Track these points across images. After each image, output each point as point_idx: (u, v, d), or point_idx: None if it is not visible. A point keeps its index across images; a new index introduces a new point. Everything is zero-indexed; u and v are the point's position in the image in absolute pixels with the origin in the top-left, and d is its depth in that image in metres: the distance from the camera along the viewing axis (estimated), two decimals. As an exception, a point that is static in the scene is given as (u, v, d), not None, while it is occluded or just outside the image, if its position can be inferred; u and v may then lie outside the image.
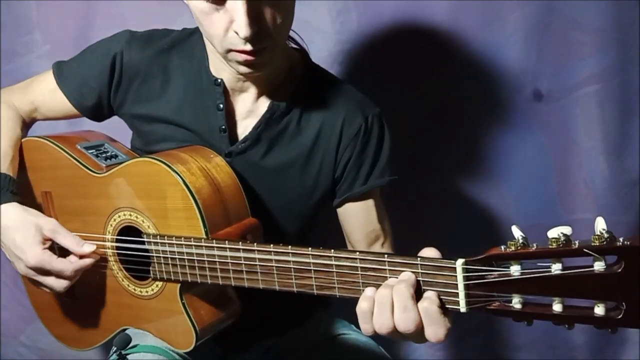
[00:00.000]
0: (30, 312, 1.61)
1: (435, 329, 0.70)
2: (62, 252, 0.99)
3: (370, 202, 1.07)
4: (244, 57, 0.88)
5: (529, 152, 1.47)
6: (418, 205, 1.49)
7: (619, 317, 0.63)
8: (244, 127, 1.03)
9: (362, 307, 0.74)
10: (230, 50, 0.88)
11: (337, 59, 1.43)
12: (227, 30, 0.86)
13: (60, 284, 0.97)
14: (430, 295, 0.70)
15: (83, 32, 1.46)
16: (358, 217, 1.08)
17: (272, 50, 0.90)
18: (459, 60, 1.42)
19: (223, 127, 1.01)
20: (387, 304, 0.72)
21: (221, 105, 1.00)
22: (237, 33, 0.84)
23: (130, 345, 0.96)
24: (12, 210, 0.98)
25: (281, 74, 1.02)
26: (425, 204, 1.50)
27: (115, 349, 0.97)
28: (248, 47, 0.86)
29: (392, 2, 1.41)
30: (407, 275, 0.72)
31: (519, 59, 1.42)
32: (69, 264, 0.96)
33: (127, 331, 1.03)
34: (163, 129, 1.04)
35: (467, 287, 0.69)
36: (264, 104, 1.01)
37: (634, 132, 1.43)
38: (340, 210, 1.09)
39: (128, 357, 0.97)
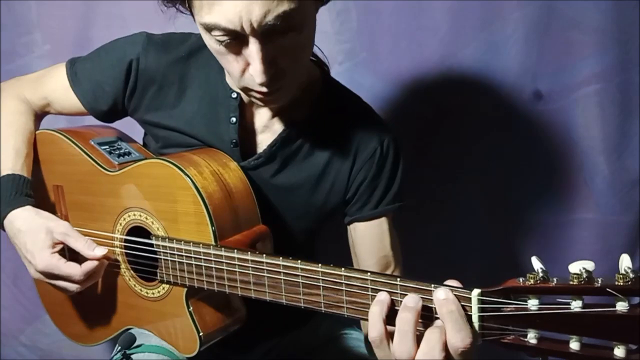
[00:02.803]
0: (30, 312, 1.62)
1: (463, 335, 0.65)
2: (74, 255, 0.98)
3: (382, 227, 1.05)
4: (260, 95, 0.87)
5: (529, 152, 1.47)
6: (418, 205, 1.48)
7: None
8: (258, 142, 1.01)
9: (372, 335, 0.70)
10: (247, 89, 0.87)
11: (337, 59, 1.43)
12: (243, 71, 0.84)
13: (72, 287, 0.96)
14: (449, 296, 0.66)
15: (83, 32, 1.46)
16: (369, 241, 1.05)
17: (289, 85, 0.88)
18: (459, 60, 1.42)
19: (234, 140, 0.99)
20: (410, 331, 0.67)
21: (234, 119, 0.98)
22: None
23: (135, 344, 0.96)
24: (25, 214, 0.96)
25: (299, 89, 0.98)
26: (424, 205, 1.49)
27: (119, 347, 0.97)
28: (264, 89, 0.84)
29: (392, 2, 1.40)
30: (414, 302, 0.68)
31: (519, 59, 1.41)
32: (78, 269, 0.95)
33: (131, 330, 1.03)
34: (176, 137, 1.03)
35: (481, 318, 0.66)
36: (281, 120, 1.00)
37: (634, 132, 1.43)
38: (350, 229, 1.07)
39: (132, 356, 0.97)
